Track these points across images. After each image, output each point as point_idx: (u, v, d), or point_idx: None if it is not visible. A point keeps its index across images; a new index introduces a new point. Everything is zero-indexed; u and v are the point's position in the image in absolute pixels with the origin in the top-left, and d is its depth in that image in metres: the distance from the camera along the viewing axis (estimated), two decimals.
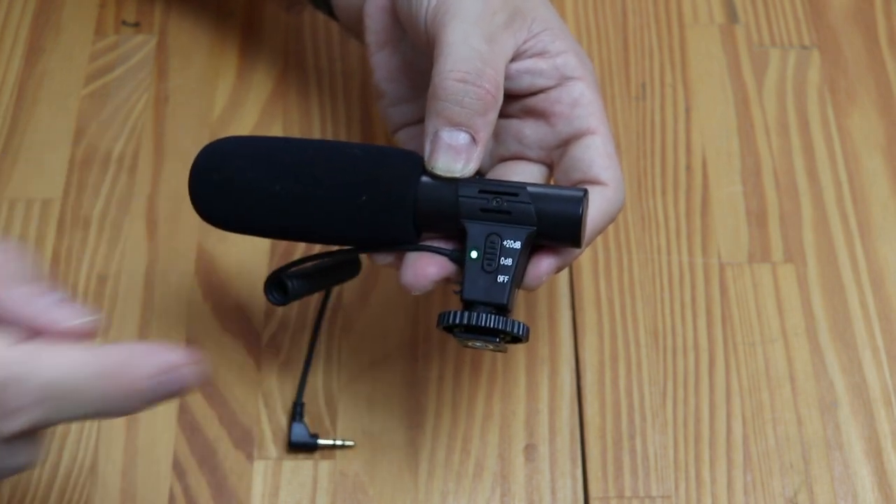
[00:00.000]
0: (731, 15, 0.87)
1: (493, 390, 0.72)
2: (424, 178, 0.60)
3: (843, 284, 0.76)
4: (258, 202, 0.61)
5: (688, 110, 0.83)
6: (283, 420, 0.71)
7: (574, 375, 0.73)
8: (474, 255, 0.60)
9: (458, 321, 0.60)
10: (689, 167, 0.80)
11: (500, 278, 0.59)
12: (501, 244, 0.60)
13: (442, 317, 0.60)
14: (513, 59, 0.63)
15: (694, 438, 0.71)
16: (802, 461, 0.70)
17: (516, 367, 0.73)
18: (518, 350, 0.73)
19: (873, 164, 0.80)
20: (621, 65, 0.84)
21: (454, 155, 0.60)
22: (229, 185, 0.61)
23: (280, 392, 0.72)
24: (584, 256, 0.76)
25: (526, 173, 0.65)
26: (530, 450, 0.70)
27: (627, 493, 0.69)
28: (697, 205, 0.79)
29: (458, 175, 0.60)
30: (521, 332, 0.60)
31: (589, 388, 0.72)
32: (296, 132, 0.81)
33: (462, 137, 0.60)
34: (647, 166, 0.80)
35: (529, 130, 0.65)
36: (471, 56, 0.60)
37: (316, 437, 0.70)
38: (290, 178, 0.60)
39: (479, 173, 0.65)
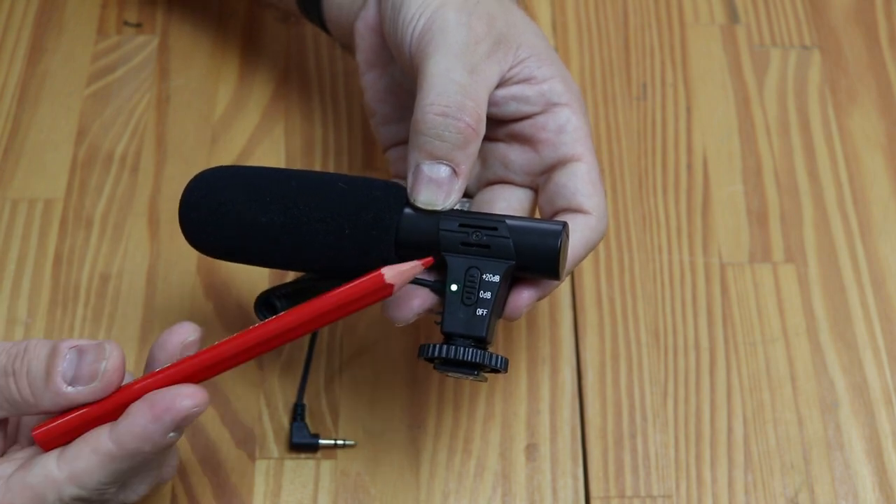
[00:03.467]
0: (732, 15, 0.87)
1: (495, 390, 0.72)
2: (407, 210, 0.61)
3: (843, 284, 0.76)
4: (245, 233, 0.62)
5: (689, 110, 0.83)
6: (284, 420, 0.71)
7: (575, 375, 0.73)
8: (454, 288, 0.60)
9: (437, 354, 0.60)
10: (689, 167, 0.80)
11: (480, 311, 0.60)
12: (481, 277, 0.60)
13: (422, 349, 0.61)
14: (499, 86, 0.63)
15: (695, 438, 0.71)
16: (803, 461, 0.70)
17: (517, 367, 0.73)
18: (519, 350, 0.73)
19: (874, 163, 0.81)
20: (622, 64, 0.85)
21: (435, 188, 0.61)
22: (217, 215, 0.62)
23: (282, 391, 0.72)
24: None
25: (512, 198, 0.66)
26: (531, 449, 0.70)
27: (628, 492, 0.69)
28: (698, 204, 0.79)
29: (439, 208, 0.61)
30: (499, 365, 0.61)
31: (590, 387, 0.72)
32: (297, 133, 0.81)
33: (443, 171, 0.61)
34: (648, 166, 0.80)
35: (515, 156, 0.66)
36: (451, 89, 0.60)
37: (317, 436, 0.70)
38: (277, 210, 0.61)
39: (467, 195, 0.66)
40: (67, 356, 0.58)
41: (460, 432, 0.71)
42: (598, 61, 0.85)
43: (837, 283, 0.76)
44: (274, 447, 0.70)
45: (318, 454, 0.70)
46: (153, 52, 0.84)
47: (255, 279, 0.75)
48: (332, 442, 0.70)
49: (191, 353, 0.60)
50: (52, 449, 0.58)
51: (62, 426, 0.58)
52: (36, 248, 0.76)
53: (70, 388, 0.57)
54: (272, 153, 0.80)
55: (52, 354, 0.58)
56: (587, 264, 0.76)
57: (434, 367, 0.62)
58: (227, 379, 0.72)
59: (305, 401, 0.71)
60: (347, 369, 0.73)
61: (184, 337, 0.60)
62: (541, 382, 0.73)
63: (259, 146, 0.81)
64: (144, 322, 0.74)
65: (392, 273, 0.58)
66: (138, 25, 0.85)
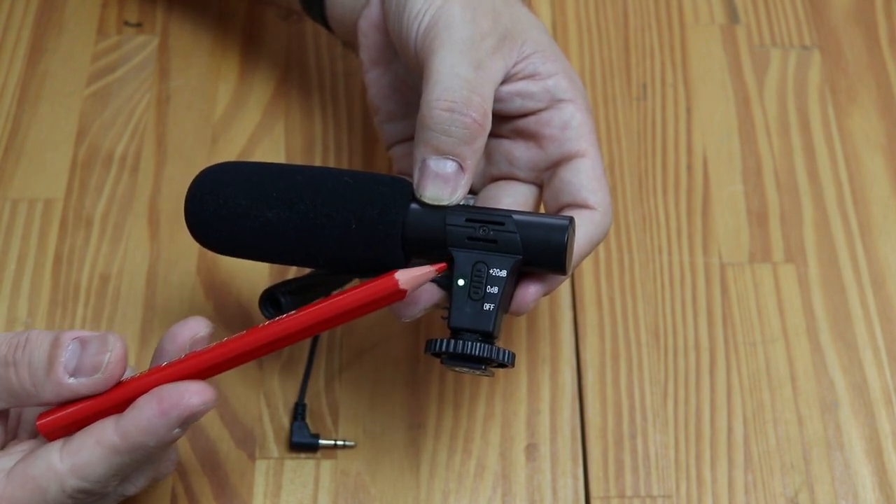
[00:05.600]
0: (732, 15, 0.87)
1: (495, 390, 0.72)
2: (413, 206, 0.61)
3: (843, 284, 0.76)
4: (251, 229, 0.62)
5: (689, 110, 0.83)
6: (284, 420, 0.71)
7: (575, 375, 0.73)
8: (461, 283, 0.60)
9: (444, 349, 0.60)
10: (689, 167, 0.80)
11: (487, 306, 0.60)
12: (488, 272, 0.60)
13: (429, 344, 0.61)
14: (504, 82, 0.64)
15: (695, 438, 0.71)
16: (803, 461, 0.70)
17: (518, 367, 0.73)
18: (519, 350, 0.73)
19: (874, 164, 0.81)
20: (622, 65, 0.85)
21: (441, 184, 0.61)
22: (223, 211, 0.62)
23: (282, 391, 0.72)
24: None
25: (517, 194, 0.66)
26: (531, 449, 0.70)
27: (628, 492, 0.69)
28: (698, 205, 0.79)
29: (445, 203, 0.61)
30: (506, 360, 0.61)
31: (590, 387, 0.72)
32: (297, 133, 0.81)
33: (449, 166, 0.61)
34: (648, 166, 0.80)
35: (520, 152, 0.66)
36: (457, 85, 0.60)
37: (317, 436, 0.70)
38: (283, 205, 0.61)
39: (472, 192, 0.66)
40: (70, 347, 0.58)
41: (460, 432, 0.71)
42: (598, 61, 0.85)
43: (837, 283, 0.76)
44: (274, 447, 0.70)
45: (318, 454, 0.70)
46: (153, 51, 0.84)
47: (255, 279, 0.75)
48: (332, 442, 0.70)
49: (200, 348, 0.60)
50: (55, 439, 0.58)
51: (67, 416, 0.58)
52: (36, 248, 0.76)
53: (72, 380, 0.57)
54: (273, 152, 0.80)
55: (55, 345, 0.58)
56: (587, 264, 0.76)
57: (441, 362, 0.62)
58: (227, 379, 0.72)
59: (305, 400, 0.71)
60: (348, 369, 0.73)
61: (195, 331, 0.60)
62: (541, 382, 0.73)
63: (259, 145, 0.81)
64: (144, 322, 0.74)
65: (406, 277, 0.58)
66: (138, 25, 0.86)
